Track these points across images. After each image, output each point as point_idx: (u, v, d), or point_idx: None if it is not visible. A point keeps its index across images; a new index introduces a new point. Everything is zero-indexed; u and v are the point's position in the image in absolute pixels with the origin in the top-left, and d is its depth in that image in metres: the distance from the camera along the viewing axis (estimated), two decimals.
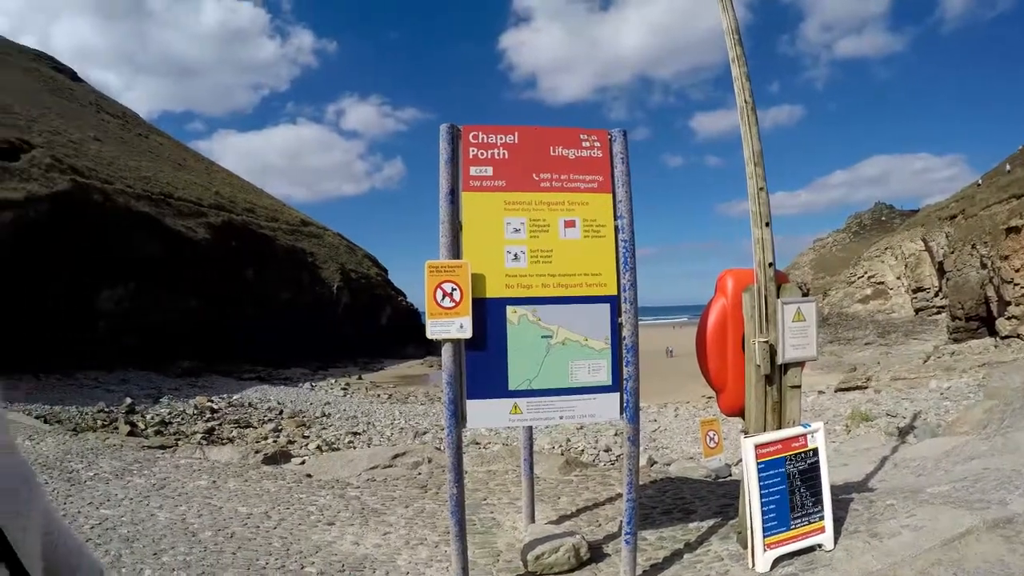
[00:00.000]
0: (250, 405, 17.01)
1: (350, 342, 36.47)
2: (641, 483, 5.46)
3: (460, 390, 3.52)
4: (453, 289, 3.46)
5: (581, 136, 3.87)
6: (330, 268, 39.12)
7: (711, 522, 4.74)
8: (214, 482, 6.43)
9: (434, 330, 3.46)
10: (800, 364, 4.11)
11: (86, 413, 13.61)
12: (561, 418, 3.72)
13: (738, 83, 4.12)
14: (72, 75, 48.12)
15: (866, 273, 49.98)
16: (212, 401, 17.12)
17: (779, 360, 4.00)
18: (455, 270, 3.47)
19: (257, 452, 8.13)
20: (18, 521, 0.80)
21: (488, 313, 3.54)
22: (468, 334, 3.46)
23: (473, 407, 3.56)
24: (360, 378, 26.10)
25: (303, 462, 8.11)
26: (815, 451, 4.06)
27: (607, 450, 12.83)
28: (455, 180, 3.61)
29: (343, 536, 4.93)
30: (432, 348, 40.17)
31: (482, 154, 3.73)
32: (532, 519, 4.92)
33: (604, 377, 3.68)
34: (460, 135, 3.71)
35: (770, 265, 4.03)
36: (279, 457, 8.05)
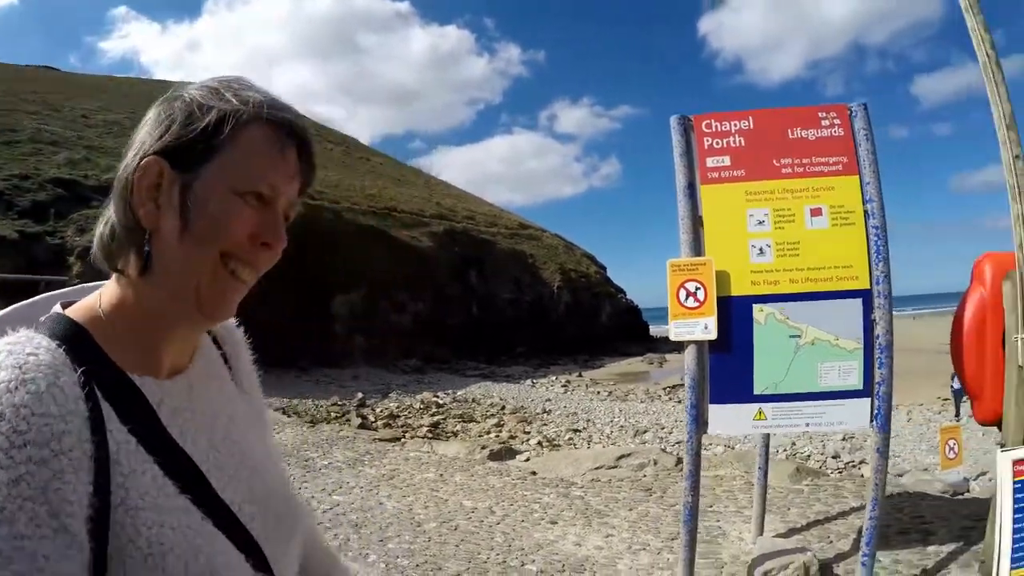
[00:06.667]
0: (473, 401, 17.83)
1: (570, 340, 37.00)
2: None
3: (703, 394, 3.35)
4: (697, 288, 3.29)
5: (820, 114, 3.53)
6: (550, 268, 40.07)
7: (952, 547, 4.21)
8: (441, 475, 6.73)
9: (678, 331, 3.31)
10: None
11: (321, 406, 14.99)
12: (808, 425, 3.43)
13: (976, 35, 3.47)
14: None
15: None
16: (437, 396, 18.07)
17: None
18: (698, 268, 3.30)
19: (483, 448, 8.46)
20: (279, 547, 0.83)
21: (733, 312, 3.32)
22: (713, 335, 3.27)
23: (716, 412, 3.35)
24: (580, 375, 26.52)
25: (528, 459, 8.32)
26: None
27: (835, 456, 11.83)
28: (692, 173, 3.44)
29: (565, 536, 4.94)
30: (652, 345, 39.82)
31: (717, 143, 3.52)
32: (761, 531, 4.64)
33: (855, 381, 3.33)
34: (692, 126, 3.54)
35: None
36: (504, 453, 8.32)
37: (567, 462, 7.24)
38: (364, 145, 56.40)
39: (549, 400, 18.08)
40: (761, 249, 3.37)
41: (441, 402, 17.19)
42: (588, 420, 14.47)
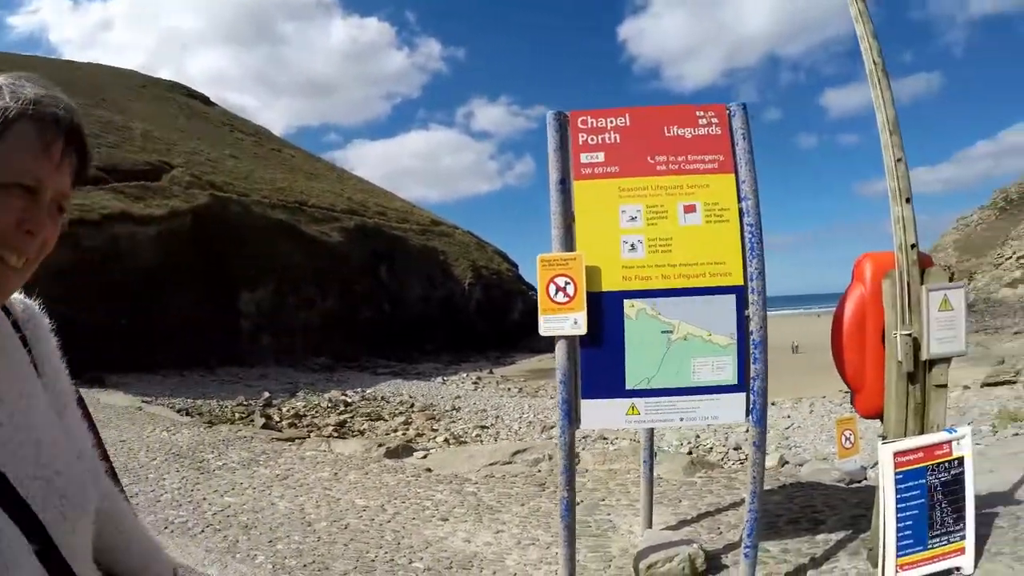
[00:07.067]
0: (383, 399, 17.67)
1: (482, 337, 37.15)
2: (769, 487, 5.07)
3: (574, 389, 3.35)
4: (567, 283, 3.27)
5: (697, 113, 3.56)
6: (461, 265, 40.08)
7: (841, 535, 4.33)
8: (335, 474, 6.62)
9: (547, 326, 3.29)
10: (946, 360, 3.62)
11: (225, 407, 14.53)
12: (681, 420, 3.46)
13: (864, 43, 3.67)
14: (205, 100, 51.84)
15: (1015, 253, 45.57)
16: (346, 395, 17.84)
17: (923, 356, 3.54)
18: (568, 263, 3.28)
19: (380, 445, 8.32)
20: (64, 524, 0.87)
21: (604, 308, 3.33)
22: (582, 330, 3.26)
23: (588, 407, 3.36)
24: (491, 372, 26.67)
25: (425, 456, 8.25)
26: (960, 460, 3.57)
27: (737, 448, 12.28)
28: (565, 169, 3.42)
29: (455, 532, 4.91)
30: None
31: (592, 140, 3.51)
32: (650, 523, 4.67)
33: (729, 376, 3.37)
34: (568, 122, 3.52)
35: (912, 247, 3.58)
36: (401, 451, 8.20)
37: (463, 458, 7.19)
38: (277, 136, 54.78)
39: (459, 397, 18.08)
40: (633, 245, 3.38)
41: (349, 400, 16.92)
42: (497, 416, 14.55)
